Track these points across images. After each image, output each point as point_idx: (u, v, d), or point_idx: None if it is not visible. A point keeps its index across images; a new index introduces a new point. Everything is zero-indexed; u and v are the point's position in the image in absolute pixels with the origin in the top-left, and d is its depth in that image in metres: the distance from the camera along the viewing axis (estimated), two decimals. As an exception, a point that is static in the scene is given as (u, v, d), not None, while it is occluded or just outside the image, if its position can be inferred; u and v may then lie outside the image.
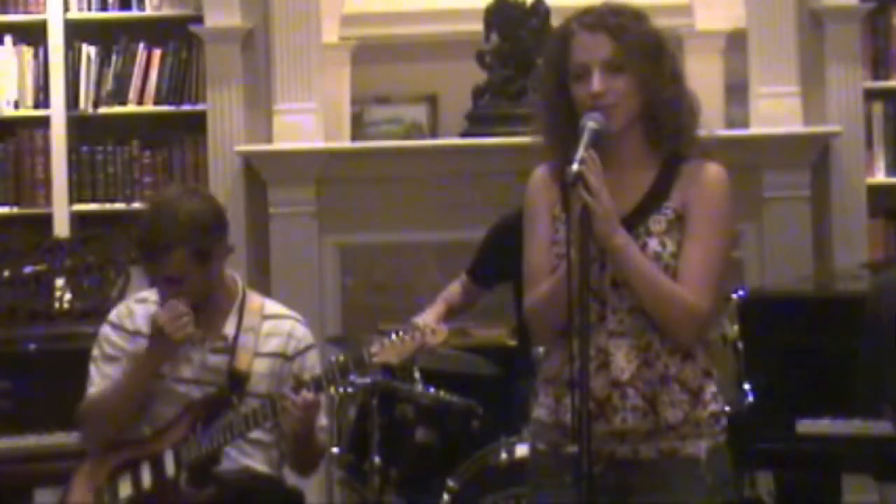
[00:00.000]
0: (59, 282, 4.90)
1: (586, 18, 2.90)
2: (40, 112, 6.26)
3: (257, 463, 3.85)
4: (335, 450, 4.48)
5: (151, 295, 3.95)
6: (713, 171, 2.94)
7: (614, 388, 2.86)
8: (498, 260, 4.60)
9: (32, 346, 4.60)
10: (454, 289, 4.92)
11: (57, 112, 6.22)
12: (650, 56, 2.89)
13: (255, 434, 3.81)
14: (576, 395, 2.72)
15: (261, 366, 3.83)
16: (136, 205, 6.16)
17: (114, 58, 6.26)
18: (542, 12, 6.14)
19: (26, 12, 6.29)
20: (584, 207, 2.76)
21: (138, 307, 3.92)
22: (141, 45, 6.25)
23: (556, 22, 5.84)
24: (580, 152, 2.77)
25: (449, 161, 6.13)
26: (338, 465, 4.57)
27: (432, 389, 4.63)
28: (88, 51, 6.27)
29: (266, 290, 5.25)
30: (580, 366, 2.71)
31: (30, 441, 4.43)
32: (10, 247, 4.84)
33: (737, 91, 6.55)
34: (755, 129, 6.01)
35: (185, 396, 3.80)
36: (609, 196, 2.79)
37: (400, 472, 4.52)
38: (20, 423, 4.43)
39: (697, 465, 2.89)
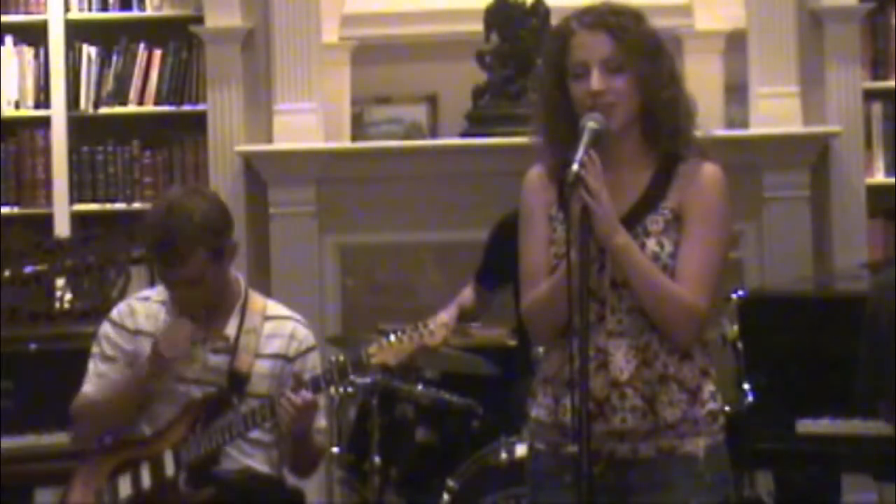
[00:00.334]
0: (60, 282, 4.91)
1: (586, 18, 2.90)
2: (41, 112, 6.26)
3: (258, 463, 3.85)
4: (335, 450, 4.49)
5: (153, 293, 3.96)
6: (710, 170, 2.94)
7: (613, 388, 2.86)
8: (500, 260, 4.61)
9: (33, 346, 4.60)
10: (467, 293, 4.95)
11: (57, 112, 6.23)
12: (649, 56, 2.89)
13: (256, 434, 3.81)
14: (575, 395, 2.73)
15: (262, 367, 3.84)
16: (137, 205, 6.17)
17: (114, 58, 6.27)
18: (542, 12, 6.15)
19: (27, 12, 6.30)
20: (584, 208, 2.76)
21: (140, 305, 3.92)
22: (141, 46, 6.26)
23: (556, 22, 5.84)
24: (580, 152, 2.77)
25: (449, 161, 6.13)
26: (338, 465, 4.58)
27: (432, 389, 4.64)
28: (89, 51, 6.27)
29: (266, 291, 5.25)
30: (580, 366, 2.72)
31: (30, 441, 4.43)
32: (11, 247, 4.84)
33: (737, 91, 6.55)
34: (755, 130, 6.01)
35: (186, 396, 3.80)
36: (609, 197, 2.79)
37: (400, 472, 4.52)
38: (20, 423, 4.43)
39: (696, 462, 2.90)
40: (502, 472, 4.27)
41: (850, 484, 4.94)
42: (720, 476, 2.94)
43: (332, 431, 4.45)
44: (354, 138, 6.91)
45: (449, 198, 6.06)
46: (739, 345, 4.40)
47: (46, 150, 6.24)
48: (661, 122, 2.92)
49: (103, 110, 6.27)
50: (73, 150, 6.24)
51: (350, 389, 4.55)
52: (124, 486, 3.80)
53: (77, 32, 6.28)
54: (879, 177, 6.04)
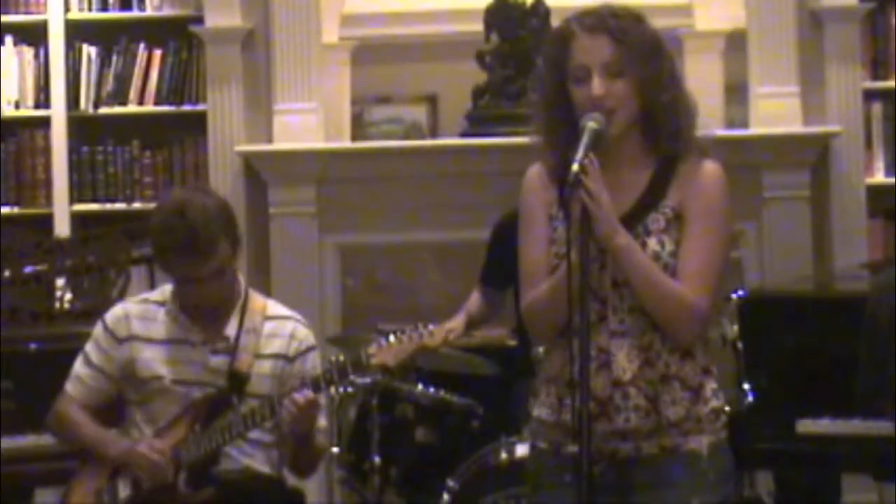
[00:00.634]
0: (60, 282, 4.91)
1: (587, 20, 2.90)
2: (41, 112, 6.26)
3: (258, 463, 3.85)
4: (335, 450, 4.49)
5: (151, 295, 3.96)
6: (710, 168, 2.94)
7: (616, 387, 2.87)
8: (503, 259, 4.60)
9: (33, 346, 4.60)
10: (473, 299, 4.95)
11: (57, 112, 6.23)
12: (650, 59, 2.89)
13: (256, 434, 3.81)
14: (572, 395, 2.73)
15: (262, 367, 3.83)
16: (137, 205, 6.17)
17: (114, 58, 6.26)
18: (542, 12, 6.15)
19: (27, 12, 6.29)
20: (584, 209, 2.76)
21: (136, 308, 3.92)
22: (141, 46, 6.25)
23: (556, 22, 5.84)
24: (580, 152, 2.77)
25: (449, 161, 6.13)
26: (338, 465, 4.58)
27: (432, 389, 4.64)
28: (89, 51, 6.27)
29: (266, 290, 5.25)
30: (580, 366, 2.72)
31: (30, 441, 4.43)
32: (11, 247, 4.84)
33: (737, 91, 6.55)
34: (755, 130, 6.01)
35: (186, 397, 3.80)
36: (609, 198, 2.80)
37: (400, 472, 4.53)
38: (21, 423, 4.43)
39: (699, 460, 2.90)
40: (502, 472, 4.27)
41: (850, 484, 4.94)
42: (723, 474, 2.94)
43: (332, 431, 4.45)
44: (354, 138, 6.92)
45: (449, 198, 6.06)
46: (739, 345, 4.40)
47: (46, 150, 6.24)
48: (662, 125, 2.92)
49: (103, 110, 6.27)
50: (73, 150, 6.24)
51: (350, 389, 4.55)
52: (124, 486, 3.80)
53: (77, 32, 6.28)
54: (879, 177, 6.04)
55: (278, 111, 6.10)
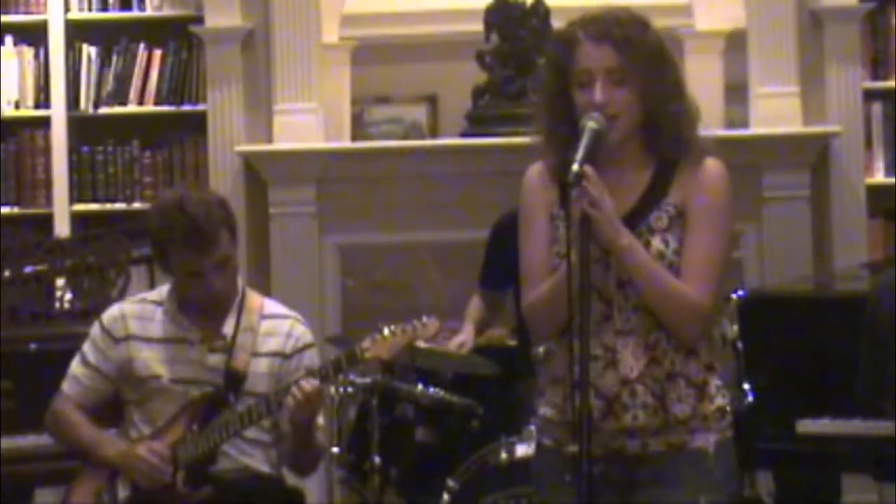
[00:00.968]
0: (59, 282, 4.91)
1: (592, 27, 2.89)
2: (41, 112, 6.26)
3: (257, 462, 3.85)
4: (335, 450, 4.49)
5: (149, 295, 3.96)
6: (712, 166, 2.94)
7: (623, 385, 2.88)
8: (503, 259, 4.60)
9: (33, 346, 4.60)
10: (474, 304, 4.96)
11: (57, 112, 6.23)
12: (653, 68, 2.89)
13: (255, 433, 3.81)
14: (576, 395, 2.73)
15: (259, 365, 3.83)
16: (137, 205, 6.16)
17: (114, 58, 6.26)
18: (542, 12, 6.14)
19: (27, 12, 6.29)
20: (585, 212, 2.77)
21: (133, 308, 3.92)
22: (141, 46, 6.25)
23: (555, 22, 5.84)
24: (581, 152, 2.78)
25: (449, 161, 6.13)
26: (338, 465, 4.58)
27: (432, 389, 4.63)
28: (89, 51, 6.27)
29: (266, 290, 5.25)
30: (581, 366, 2.72)
31: (30, 441, 4.43)
32: (11, 247, 4.84)
33: (737, 91, 6.55)
34: (755, 130, 6.01)
35: (183, 395, 3.80)
36: (610, 201, 2.80)
37: (400, 472, 4.53)
38: (21, 423, 4.43)
39: (706, 458, 2.91)
40: (502, 472, 4.27)
41: (850, 484, 4.94)
42: (728, 473, 2.96)
43: (332, 431, 4.44)
44: (354, 138, 6.92)
45: (449, 198, 6.05)
46: (739, 345, 4.40)
47: (46, 150, 6.24)
48: (664, 131, 2.92)
49: (103, 110, 6.27)
50: (73, 150, 6.24)
51: (350, 389, 4.55)
52: (124, 487, 3.80)
53: (77, 32, 6.28)
54: (879, 177, 6.04)
55: (278, 111, 6.10)
